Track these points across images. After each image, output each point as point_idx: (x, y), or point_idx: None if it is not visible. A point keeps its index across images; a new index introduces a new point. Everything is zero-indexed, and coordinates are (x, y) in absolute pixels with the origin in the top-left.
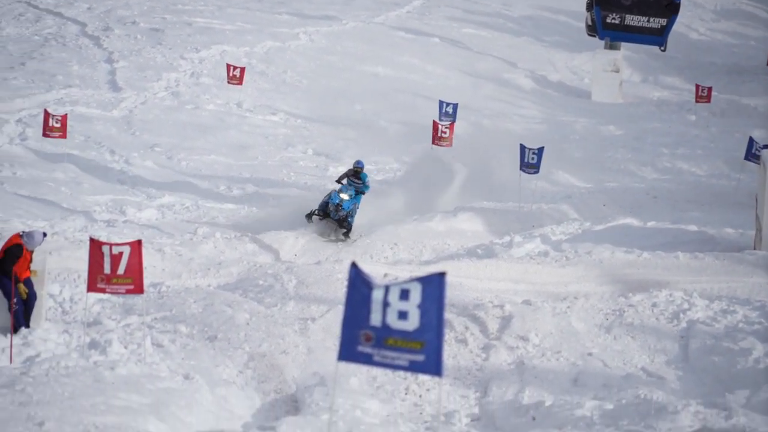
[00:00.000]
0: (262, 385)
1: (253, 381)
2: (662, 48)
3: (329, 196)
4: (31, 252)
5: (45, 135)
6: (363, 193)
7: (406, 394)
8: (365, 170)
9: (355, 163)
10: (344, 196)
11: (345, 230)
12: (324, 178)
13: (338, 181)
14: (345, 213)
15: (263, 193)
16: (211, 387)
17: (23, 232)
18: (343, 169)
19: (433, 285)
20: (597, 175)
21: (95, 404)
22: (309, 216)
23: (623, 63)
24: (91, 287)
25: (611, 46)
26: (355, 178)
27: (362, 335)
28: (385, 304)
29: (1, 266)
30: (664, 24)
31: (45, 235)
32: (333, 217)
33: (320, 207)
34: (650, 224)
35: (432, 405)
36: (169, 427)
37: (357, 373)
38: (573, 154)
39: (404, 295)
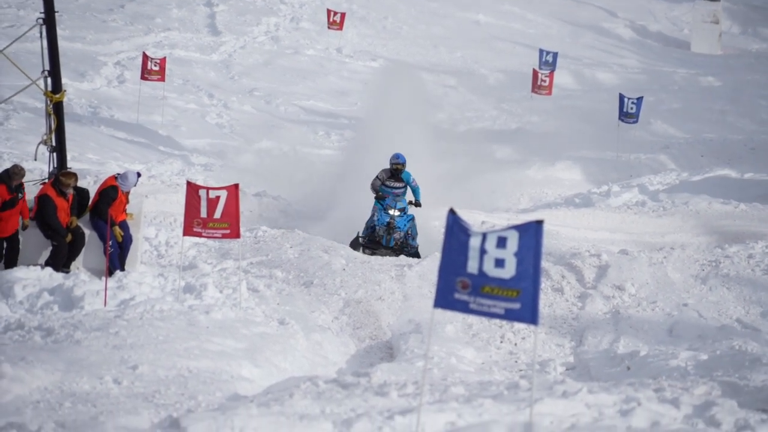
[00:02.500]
0: (357, 331)
1: (348, 327)
2: None
3: (373, 216)
4: (127, 194)
5: (143, 78)
6: (418, 203)
7: (501, 342)
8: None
9: (392, 158)
10: (395, 212)
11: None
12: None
13: (376, 194)
14: (402, 234)
15: (361, 138)
16: (306, 333)
17: (118, 174)
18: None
19: (531, 233)
20: (695, 126)
21: (189, 348)
22: (356, 245)
23: (723, 14)
24: (187, 231)
25: None
26: (394, 180)
27: (459, 282)
28: (482, 252)
29: (97, 208)
30: None
31: (139, 175)
32: (386, 245)
33: (366, 233)
34: (747, 176)
35: (527, 353)
36: (264, 372)
37: (453, 320)
38: (671, 105)
39: (501, 242)
